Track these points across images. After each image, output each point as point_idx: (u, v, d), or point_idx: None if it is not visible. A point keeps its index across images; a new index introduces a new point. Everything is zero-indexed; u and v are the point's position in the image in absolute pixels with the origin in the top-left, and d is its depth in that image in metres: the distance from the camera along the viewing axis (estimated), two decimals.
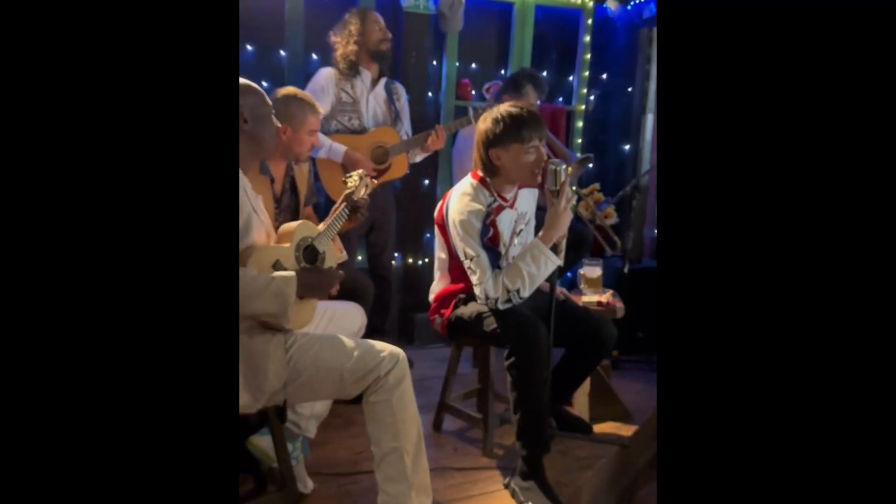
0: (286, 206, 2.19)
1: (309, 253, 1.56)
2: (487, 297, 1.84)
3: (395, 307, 3.02)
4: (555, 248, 1.82)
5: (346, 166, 2.49)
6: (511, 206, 1.95)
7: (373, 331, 2.63)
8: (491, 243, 1.88)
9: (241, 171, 1.45)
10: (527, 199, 2.03)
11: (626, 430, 2.24)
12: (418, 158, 2.75)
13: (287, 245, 1.51)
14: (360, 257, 2.83)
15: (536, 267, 1.79)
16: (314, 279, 1.49)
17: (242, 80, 1.49)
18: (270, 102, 1.53)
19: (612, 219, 3.08)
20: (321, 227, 1.65)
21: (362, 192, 1.77)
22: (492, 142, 1.86)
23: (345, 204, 1.74)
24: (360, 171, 1.83)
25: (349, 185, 1.79)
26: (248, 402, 1.42)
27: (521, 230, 1.99)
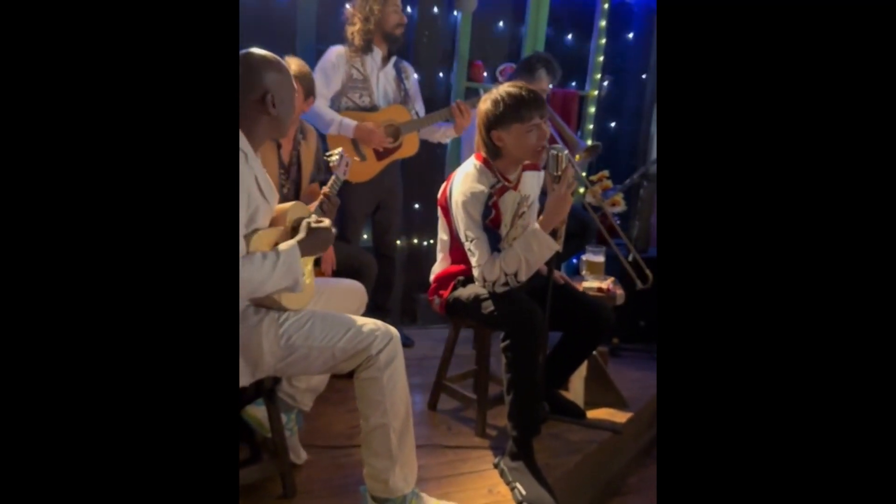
0: (292, 179, 2.23)
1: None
2: (485, 280, 1.86)
3: (398, 286, 3.05)
4: (554, 234, 1.83)
5: (358, 141, 2.50)
6: (514, 188, 1.95)
7: (375, 309, 2.67)
8: (492, 225, 1.89)
9: (255, 153, 1.46)
10: (531, 183, 2.03)
11: (621, 417, 2.26)
12: (448, 139, 2.75)
13: (282, 227, 1.54)
14: (365, 236, 2.85)
15: (534, 252, 1.81)
16: (313, 241, 1.51)
17: (271, 55, 1.45)
18: (293, 78, 1.51)
19: (620, 206, 3.07)
20: (312, 207, 1.68)
21: (342, 171, 1.79)
22: (493, 123, 1.86)
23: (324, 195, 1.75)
24: (340, 149, 1.85)
25: (331, 162, 1.81)
26: (244, 376, 1.47)
27: (523, 213, 1.99)
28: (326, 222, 1.55)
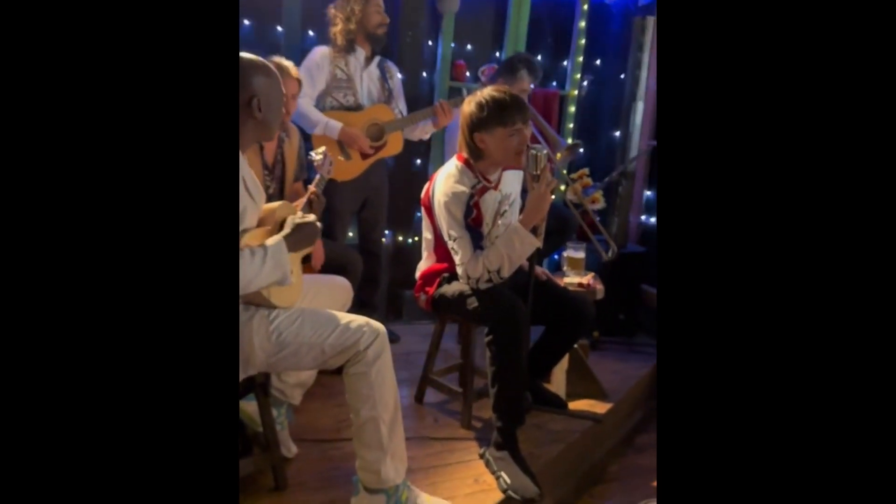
0: (277, 177, 2.27)
1: None
2: (469, 277, 1.91)
3: (384, 283, 3.09)
4: (535, 231, 1.89)
5: (342, 143, 2.55)
6: (495, 188, 2.01)
7: (362, 305, 2.72)
8: (474, 224, 1.94)
9: (242, 154, 1.49)
10: (511, 182, 2.08)
11: (601, 408, 2.34)
12: (428, 135, 2.80)
13: (270, 227, 1.59)
14: (350, 233, 2.89)
15: (516, 249, 1.86)
16: (299, 236, 1.54)
17: (259, 60, 1.48)
18: (281, 83, 1.54)
19: (600, 204, 3.14)
20: (298, 205, 1.73)
21: (326, 170, 1.83)
22: (476, 126, 1.91)
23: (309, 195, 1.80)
24: (323, 148, 1.89)
25: (315, 162, 1.86)
26: None
27: (504, 211, 2.05)
28: (311, 217, 1.59)
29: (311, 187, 1.80)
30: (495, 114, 1.88)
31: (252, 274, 1.41)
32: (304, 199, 1.81)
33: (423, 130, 2.75)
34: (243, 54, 1.47)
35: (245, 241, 1.47)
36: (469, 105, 1.93)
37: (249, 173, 1.52)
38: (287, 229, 1.54)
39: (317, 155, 1.87)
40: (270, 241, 1.48)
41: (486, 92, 1.92)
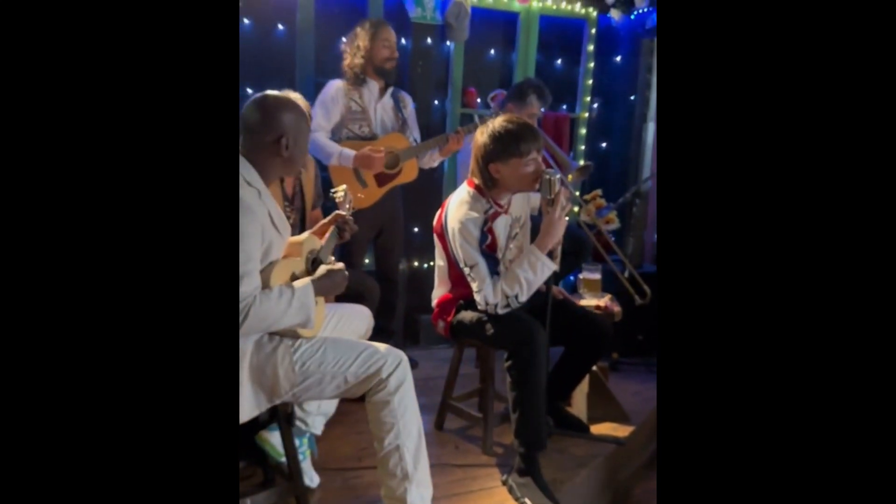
0: (297, 208, 2.31)
1: (315, 264, 1.67)
2: (487, 303, 1.92)
3: (401, 308, 3.10)
4: (551, 254, 1.90)
5: (358, 169, 2.58)
6: (506, 212, 2.02)
7: (379, 331, 2.71)
8: (489, 250, 1.95)
9: (266, 188, 1.53)
10: (520, 204, 2.10)
11: (623, 431, 2.31)
12: (436, 163, 2.84)
13: (298, 258, 1.62)
14: (367, 260, 2.92)
15: (533, 273, 1.87)
16: (327, 282, 1.58)
17: (287, 97, 1.53)
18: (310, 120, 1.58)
19: (614, 224, 3.14)
20: (322, 241, 1.76)
21: (346, 207, 1.87)
22: (491, 157, 1.92)
23: (334, 226, 1.83)
24: (344, 186, 1.93)
25: (336, 199, 1.90)
26: (260, 403, 1.52)
27: (515, 234, 2.06)
28: (340, 265, 1.62)
29: (341, 213, 1.84)
30: (511, 145, 1.90)
31: (278, 314, 1.43)
32: (329, 221, 1.83)
33: (431, 158, 2.79)
34: (271, 92, 1.52)
35: (272, 275, 1.49)
36: (482, 136, 1.94)
37: (276, 207, 1.55)
38: (318, 274, 1.57)
39: (338, 192, 1.91)
40: (299, 284, 1.51)
41: (500, 123, 1.93)
